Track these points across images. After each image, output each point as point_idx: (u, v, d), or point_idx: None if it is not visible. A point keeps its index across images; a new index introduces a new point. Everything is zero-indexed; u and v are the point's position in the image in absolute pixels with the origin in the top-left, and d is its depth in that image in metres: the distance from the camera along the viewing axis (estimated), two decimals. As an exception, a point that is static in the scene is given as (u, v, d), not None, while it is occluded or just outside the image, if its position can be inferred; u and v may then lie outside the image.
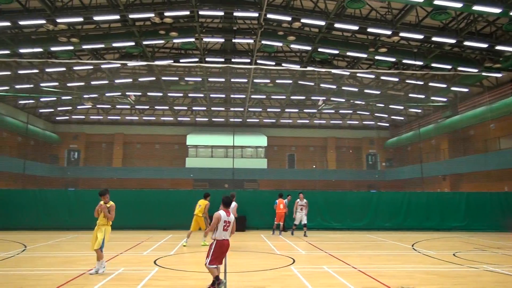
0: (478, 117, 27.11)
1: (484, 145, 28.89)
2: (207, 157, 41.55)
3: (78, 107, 38.08)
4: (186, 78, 31.32)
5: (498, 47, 21.11)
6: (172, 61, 26.64)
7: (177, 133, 42.21)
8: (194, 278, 8.33)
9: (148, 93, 34.53)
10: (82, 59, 26.36)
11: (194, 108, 39.27)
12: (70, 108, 38.63)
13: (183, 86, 32.95)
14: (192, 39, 23.51)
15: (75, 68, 27.94)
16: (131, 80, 31.28)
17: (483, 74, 24.26)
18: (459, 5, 16.35)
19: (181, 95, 35.33)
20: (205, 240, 13.79)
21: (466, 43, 20.95)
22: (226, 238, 7.42)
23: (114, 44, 23.48)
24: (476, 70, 23.82)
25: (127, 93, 32.32)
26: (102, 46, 23.69)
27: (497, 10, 16.56)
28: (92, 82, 30.89)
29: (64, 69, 27.85)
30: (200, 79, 31.11)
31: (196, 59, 26.70)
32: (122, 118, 41.67)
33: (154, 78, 31.00)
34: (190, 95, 35.27)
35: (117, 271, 8.81)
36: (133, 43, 23.27)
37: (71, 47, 23.17)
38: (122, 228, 18.54)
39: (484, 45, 21.12)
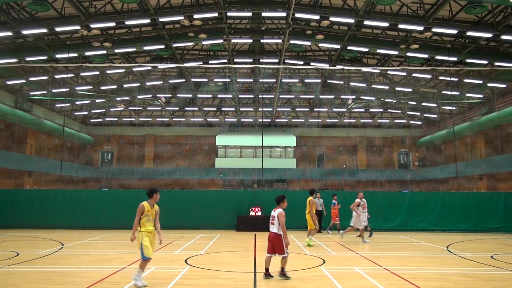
0: (517, 114, 26.02)
1: (523, 143, 27.70)
2: (236, 157, 41.80)
3: (111, 109, 39.19)
4: (215, 79, 31.65)
5: (538, 41, 20.18)
6: (201, 63, 26.99)
7: (207, 133, 42.71)
8: (224, 278, 8.39)
9: (178, 95, 35.14)
10: (115, 63, 27.12)
11: (223, 108, 39.63)
12: (104, 110, 39.81)
13: (212, 87, 33.31)
14: (221, 41, 23.73)
15: (108, 71, 28.80)
16: (161, 82, 31.93)
17: (522, 68, 23.23)
18: (495, -3, 15.76)
19: (210, 96, 35.74)
20: (310, 238, 13.85)
21: (503, 37, 20.14)
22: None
23: (145, 48, 24.01)
24: (514, 65, 22.85)
25: (158, 95, 33.00)
26: (134, 49, 24.27)
27: (537, 2, 15.84)
28: (124, 85, 31.74)
29: (97, 73, 28.74)
30: (228, 80, 31.36)
31: (225, 60, 26.93)
32: (153, 119, 42.58)
33: (183, 80, 31.51)
34: (219, 96, 35.62)
35: (149, 270, 8.99)
36: (163, 46, 23.73)
37: (104, 52, 23.89)
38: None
39: (523, 39, 20.25)
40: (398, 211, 19.11)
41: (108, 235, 16.72)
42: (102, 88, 31.58)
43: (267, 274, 8.22)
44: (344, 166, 42.32)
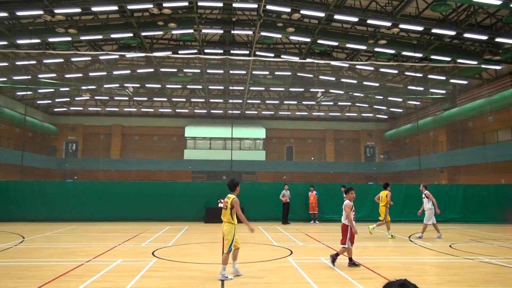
0: (476, 110, 27.12)
1: (482, 137, 28.94)
2: (206, 149, 41.55)
3: (76, 98, 37.96)
4: (185, 70, 31.21)
5: (498, 39, 21.04)
6: (171, 53, 26.53)
7: (176, 125, 42.17)
8: (192, 269, 8.37)
9: (146, 85, 34.44)
10: (80, 50, 26.22)
11: (192, 99, 39.20)
12: (68, 99, 38.52)
13: (182, 78, 32.85)
14: (191, 30, 23.39)
15: (73, 59, 27.81)
16: (129, 71, 31.17)
17: (483, 66, 24.22)
18: (459, -4, 16.29)
19: (180, 86, 35.25)
20: (390, 233, 13.88)
21: (466, 35, 20.88)
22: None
23: (112, 35, 23.35)
24: (475, 62, 23.78)
25: (125, 85, 32.22)
26: (100, 37, 23.56)
27: (498, 2, 16.49)
28: (90, 74, 30.77)
29: (62, 60, 27.71)
30: (198, 70, 31.00)
31: (195, 51, 26.59)
32: (120, 109, 41.57)
33: (152, 70, 30.90)
34: (188, 86, 35.19)
35: (115, 263, 8.84)
36: (131, 34, 23.15)
37: (69, 38, 23.04)
38: (120, 220, 18.64)
39: (484, 37, 21.05)
40: (364, 203, 19.59)
41: (73, 227, 16.30)
42: (66, 76, 30.48)
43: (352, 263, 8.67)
44: (312, 158, 42.91)
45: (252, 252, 10.88)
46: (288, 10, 19.63)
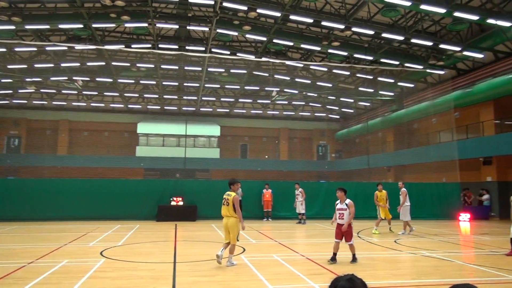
0: (421, 112, 28.52)
1: (426, 138, 30.52)
2: (159, 146, 40.73)
3: (20, 91, 35.78)
4: (138, 64, 30.34)
5: (442, 46, 22.25)
6: (123, 46, 25.66)
7: (127, 121, 40.93)
8: (142, 269, 8.19)
9: (97, 79, 33.11)
10: (25, 40, 24.74)
11: (145, 95, 38.21)
12: (11, 91, 36.24)
13: (135, 72, 31.93)
14: (145, 24, 22.77)
15: (16, 49, 26.19)
16: (78, 64, 29.83)
17: (427, 70, 25.52)
18: (408, 3, 17.02)
19: (132, 81, 34.23)
20: (376, 229, 14.77)
21: (413, 40, 21.89)
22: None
23: (61, 26, 22.24)
24: (421, 67, 24.99)
25: (74, 78, 30.79)
26: (47, 27, 22.35)
27: (442, 10, 17.42)
28: (36, 65, 29.13)
29: (4, 49, 26.03)
30: (152, 65, 30.26)
31: (149, 45, 25.93)
32: (68, 104, 39.70)
33: (103, 63, 29.75)
34: (141, 81, 34.25)
35: (60, 264, 8.46)
36: (81, 26, 22.16)
37: (12, 27, 21.65)
38: (66, 219, 17.85)
39: (429, 43, 22.18)
40: (316, 200, 20.08)
41: (15, 227, 15.40)
42: (9, 67, 28.66)
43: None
44: (266, 156, 43.31)
45: (205, 250, 10.82)
46: (245, 8, 19.64)
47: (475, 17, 17.89)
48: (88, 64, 29.99)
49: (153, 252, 10.46)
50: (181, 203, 19.11)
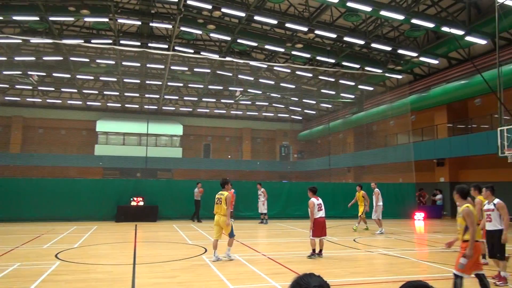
0: (380, 114, 29.45)
1: (384, 140, 31.55)
2: (119, 144, 39.68)
3: (-31, 84, 33.81)
4: (98, 60, 29.41)
5: (400, 51, 23.11)
6: (82, 41, 24.82)
7: (86, 118, 39.58)
8: (99, 271, 7.95)
9: (54, 74, 31.81)
10: (-26, 31, 23.40)
11: (105, 92, 37.14)
12: (-42, 85, 34.15)
13: (94, 69, 30.94)
14: (106, 19, 22.12)
15: (-35, 40, 24.73)
16: (34, 58, 28.54)
17: (386, 75, 26.43)
18: (368, 9, 17.54)
19: (92, 78, 33.14)
20: (357, 226, 15.75)
21: (373, 45, 22.59)
22: (322, 216, 9.88)
23: (15, 17, 21.19)
24: (380, 71, 25.83)
25: (29, 73, 29.42)
26: (0, 18, 21.23)
27: (401, 17, 18.07)
28: (-14, 58, 27.60)
29: (-49, 40, 24.48)
30: (113, 62, 29.42)
31: (109, 41, 25.21)
32: (23, 99, 37.86)
33: (61, 58, 28.61)
34: (101, 78, 33.24)
35: (11, 267, 8.06)
36: (37, 18, 21.21)
37: (-40, 16, 20.45)
38: (20, 220, 17.04)
39: (388, 48, 22.96)
40: (278, 200, 20.25)
41: (-40, 229, 14.52)
42: (-43, 58, 27.01)
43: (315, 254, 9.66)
44: (229, 156, 43.23)
45: (165, 251, 10.66)
46: (209, 7, 19.52)
47: (431, 25, 18.70)
48: (45, 58, 28.77)
49: (112, 253, 10.18)
50: (141, 203, 18.71)
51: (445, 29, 18.79)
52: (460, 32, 18.77)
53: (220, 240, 9.30)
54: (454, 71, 23.65)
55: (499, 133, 14.64)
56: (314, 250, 9.67)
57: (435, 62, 23.74)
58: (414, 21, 18.50)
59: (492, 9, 15.74)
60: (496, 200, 7.52)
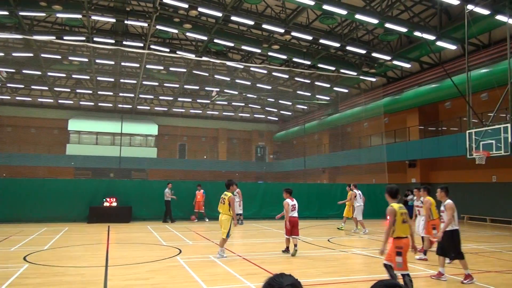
0: (354, 116, 29.93)
1: (358, 141, 32.08)
2: (92, 144, 38.83)
3: None
4: (70, 57, 28.69)
5: (374, 54, 23.55)
6: (54, 37, 24.13)
7: (57, 116, 38.52)
8: (70, 274, 7.75)
9: (24, 71, 30.83)
10: None
11: (78, 90, 36.27)
12: None
13: (66, 66, 30.16)
14: (79, 16, 21.60)
15: None
16: (2, 54, 27.58)
17: (361, 77, 26.89)
18: (344, 12, 17.79)
19: (64, 75, 32.30)
20: (343, 225, 16.27)
21: (348, 47, 22.93)
22: (295, 216, 10.42)
23: (-19, 11, 20.43)
24: (355, 73, 26.25)
25: (-3, 69, 28.44)
26: (-35, 11, 20.43)
27: (375, 21, 18.43)
28: (-49, 53, 26.51)
29: None
30: (86, 59, 28.76)
31: (83, 38, 24.64)
32: (-10, 96, 36.61)
33: (31, 54, 27.78)
34: (74, 76, 32.44)
35: (-24, 270, 7.76)
36: (6, 13, 20.49)
37: None
38: (-15, 221, 16.43)
39: (363, 51, 23.37)
40: (254, 201, 20.27)
41: None
42: None
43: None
44: (205, 157, 42.99)
45: (139, 252, 10.50)
46: (186, 6, 19.36)
47: (403, 29, 19.14)
48: (14, 54, 27.87)
49: (83, 255, 9.94)
50: (114, 204, 18.37)
51: (417, 34, 19.29)
52: (431, 37, 19.30)
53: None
54: (426, 75, 24.31)
55: (467, 135, 15.14)
56: (287, 248, 10.34)
57: (408, 65, 24.31)
58: (387, 25, 18.90)
59: (462, 16, 16.25)
60: (446, 201, 7.77)
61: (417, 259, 9.51)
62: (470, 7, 15.66)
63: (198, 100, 39.40)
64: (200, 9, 19.37)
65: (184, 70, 30.80)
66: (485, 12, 16.38)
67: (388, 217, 6.05)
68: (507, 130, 13.61)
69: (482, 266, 9.01)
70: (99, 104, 39.07)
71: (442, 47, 20.48)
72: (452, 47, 20.32)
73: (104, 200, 18.20)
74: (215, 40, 23.85)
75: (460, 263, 7.61)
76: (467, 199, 21.78)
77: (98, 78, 32.61)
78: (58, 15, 21.58)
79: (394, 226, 5.97)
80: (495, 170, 20.17)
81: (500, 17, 16.47)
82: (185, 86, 34.72)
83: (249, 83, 32.98)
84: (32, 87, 34.99)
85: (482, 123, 15.27)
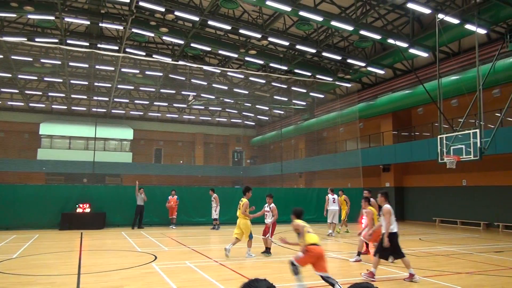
0: (330, 121, 30.32)
1: (334, 146, 32.49)
2: (64, 148, 37.89)
3: None
4: (42, 60, 27.97)
5: (349, 60, 23.96)
6: (25, 39, 23.49)
7: (28, 120, 37.45)
8: (41, 283, 7.51)
9: (-7, 73, 29.89)
10: None
11: (50, 93, 35.38)
12: None
13: (38, 69, 29.39)
14: (52, 17, 21.11)
15: None
16: (-30, 55, 26.66)
17: (336, 83, 27.30)
18: (320, 18, 18.05)
19: (35, 78, 31.46)
20: (340, 229, 17.25)
21: (324, 53, 23.25)
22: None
23: None
24: (331, 79, 26.63)
25: (-36, 70, 27.44)
26: None
27: (350, 28, 18.76)
28: None
29: None
30: (59, 62, 28.11)
31: (56, 40, 24.09)
32: (-44, 99, 35.26)
33: (1, 56, 26.95)
34: (46, 79, 31.64)
35: None
36: (-26, 13, 19.86)
37: None
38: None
39: (338, 57, 23.74)
40: (231, 206, 20.15)
41: None
42: None
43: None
44: (181, 161, 42.61)
45: (113, 259, 10.29)
46: (162, 9, 19.19)
47: (377, 37, 19.57)
48: (-18, 56, 26.95)
49: (55, 263, 9.66)
50: (88, 210, 17.95)
51: (390, 41, 19.75)
52: (404, 45, 19.80)
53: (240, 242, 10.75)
54: (399, 81, 24.91)
55: (438, 140, 15.56)
56: (267, 248, 11.10)
57: (382, 72, 24.85)
58: (362, 32, 19.28)
59: (433, 24, 16.77)
60: (384, 206, 8.18)
61: (352, 261, 9.99)
62: (441, 16, 16.17)
63: (175, 105, 39.09)
64: (176, 13, 19.26)
65: (161, 74, 30.51)
66: (455, 21, 16.94)
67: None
68: (476, 135, 14.08)
69: (453, 267, 9.25)
70: (73, 107, 38.19)
71: (415, 54, 21.04)
72: (424, 54, 20.90)
73: (77, 206, 17.77)
74: (192, 44, 23.74)
75: (402, 262, 7.94)
76: (438, 203, 22.38)
77: (72, 81, 31.90)
78: (30, 16, 21.02)
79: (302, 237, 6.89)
80: (465, 174, 20.80)
81: (469, 26, 17.06)
82: (161, 90, 34.40)
83: (226, 87, 32.95)
84: (2, 89, 33.89)
85: (452, 128, 15.76)
